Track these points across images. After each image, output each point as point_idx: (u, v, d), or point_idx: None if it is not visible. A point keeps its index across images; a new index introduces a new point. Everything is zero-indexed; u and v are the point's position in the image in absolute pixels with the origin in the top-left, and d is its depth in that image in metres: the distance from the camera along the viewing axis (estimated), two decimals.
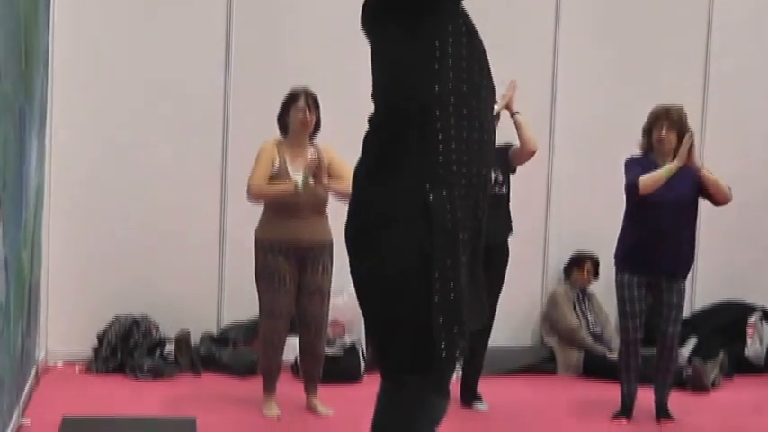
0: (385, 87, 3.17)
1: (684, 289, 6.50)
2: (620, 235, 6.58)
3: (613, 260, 6.59)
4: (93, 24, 7.41)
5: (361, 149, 3.22)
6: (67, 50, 7.25)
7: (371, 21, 3.20)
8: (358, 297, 3.19)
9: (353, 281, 3.19)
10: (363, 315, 3.23)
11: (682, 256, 6.45)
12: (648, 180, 6.27)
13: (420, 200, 3.04)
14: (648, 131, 6.51)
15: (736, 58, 8.45)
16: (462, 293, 3.05)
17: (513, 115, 6.50)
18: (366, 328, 3.25)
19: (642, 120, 6.52)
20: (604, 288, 7.97)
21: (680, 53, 8.38)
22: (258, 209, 6.24)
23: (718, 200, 6.43)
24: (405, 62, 3.10)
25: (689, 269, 6.52)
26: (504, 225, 6.60)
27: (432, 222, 3.02)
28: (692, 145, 6.26)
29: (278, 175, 6.12)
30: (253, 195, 6.13)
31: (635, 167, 6.41)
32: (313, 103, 6.22)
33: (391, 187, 3.09)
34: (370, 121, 3.22)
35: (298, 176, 6.09)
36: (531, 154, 6.59)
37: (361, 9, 3.22)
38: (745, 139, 8.50)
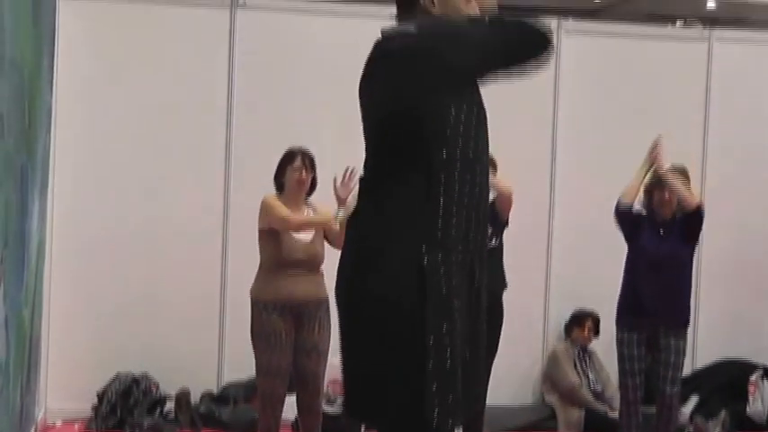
0: (387, 147, 3.21)
1: (684, 349, 6.51)
2: (620, 292, 6.61)
3: (615, 317, 6.63)
4: (97, 82, 7.48)
5: (355, 208, 3.25)
6: (70, 107, 7.32)
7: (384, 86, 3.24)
8: (346, 357, 3.18)
9: (342, 336, 3.18)
10: (351, 376, 3.18)
11: (679, 309, 6.48)
12: (625, 191, 6.48)
13: (416, 263, 3.05)
14: (650, 192, 6.56)
15: (735, 123, 8.50)
16: (457, 362, 3.03)
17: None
18: (354, 390, 3.18)
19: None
20: (605, 346, 7.96)
21: (678, 120, 8.43)
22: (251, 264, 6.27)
23: (685, 205, 6.45)
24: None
25: (687, 322, 6.54)
26: (497, 280, 6.57)
27: (426, 287, 3.02)
28: (657, 147, 6.33)
29: (277, 232, 6.15)
30: (295, 226, 6.10)
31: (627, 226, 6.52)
32: (309, 162, 6.26)
33: (387, 249, 3.11)
34: (364, 180, 3.26)
35: (297, 235, 6.12)
36: (509, 198, 6.57)
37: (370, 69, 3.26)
38: (746, 197, 8.51)
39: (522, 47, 3.21)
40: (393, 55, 3.19)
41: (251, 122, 7.73)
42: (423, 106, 3.12)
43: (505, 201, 6.57)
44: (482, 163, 3.21)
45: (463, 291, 3.12)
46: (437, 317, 3.02)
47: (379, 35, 3.32)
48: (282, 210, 6.09)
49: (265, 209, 6.14)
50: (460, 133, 3.13)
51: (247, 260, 6.24)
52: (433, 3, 3.30)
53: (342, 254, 3.25)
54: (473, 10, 3.34)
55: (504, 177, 6.51)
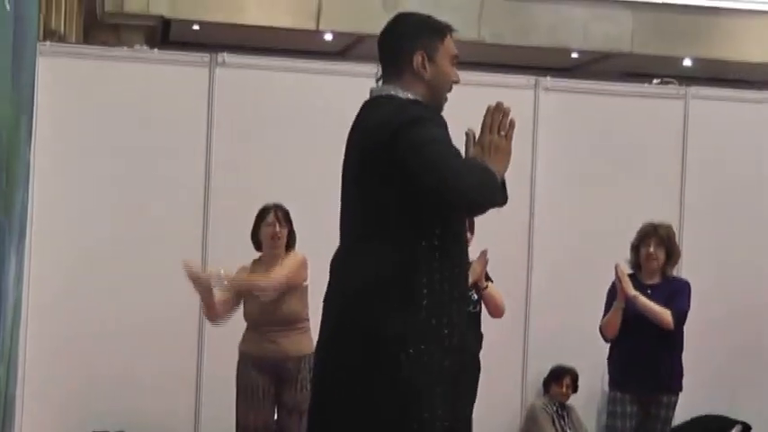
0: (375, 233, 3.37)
1: (676, 402, 6.54)
2: (609, 355, 6.64)
3: (598, 377, 6.65)
4: (77, 139, 7.50)
5: (336, 281, 3.37)
6: (48, 165, 7.33)
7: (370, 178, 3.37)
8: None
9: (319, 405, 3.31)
10: None
11: (670, 372, 6.50)
12: (605, 323, 6.48)
13: (397, 353, 3.22)
14: (636, 248, 6.61)
15: (712, 179, 8.57)
16: None
17: (482, 290, 6.60)
18: None
19: (616, 240, 6.63)
20: (584, 402, 7.99)
21: (656, 177, 8.49)
22: (237, 322, 6.27)
23: (660, 325, 6.48)
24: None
25: (679, 384, 6.57)
26: (475, 340, 6.59)
27: (406, 378, 3.20)
28: (624, 278, 6.36)
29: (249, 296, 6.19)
30: (282, 282, 6.14)
31: (609, 302, 6.53)
32: (283, 216, 6.30)
33: (368, 334, 3.27)
34: (342, 258, 3.38)
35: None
36: (501, 313, 6.72)
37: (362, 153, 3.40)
38: (724, 253, 8.56)
39: (484, 203, 3.40)
40: (393, 143, 3.32)
41: (230, 180, 7.74)
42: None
43: (497, 314, 6.68)
44: (462, 256, 3.44)
45: (443, 377, 3.30)
46: (417, 406, 3.23)
47: (370, 95, 3.47)
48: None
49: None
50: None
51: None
52: (425, 68, 3.47)
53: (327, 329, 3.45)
54: (456, 76, 3.54)
55: (498, 294, 6.64)
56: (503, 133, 3.45)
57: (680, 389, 6.58)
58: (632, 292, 6.37)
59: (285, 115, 7.88)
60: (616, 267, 6.42)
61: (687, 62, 9.81)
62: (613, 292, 6.52)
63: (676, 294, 6.50)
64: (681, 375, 6.58)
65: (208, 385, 7.61)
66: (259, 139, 7.82)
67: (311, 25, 10.62)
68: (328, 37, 11.13)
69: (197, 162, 7.73)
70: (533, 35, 10.00)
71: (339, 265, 3.45)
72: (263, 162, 7.78)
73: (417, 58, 3.46)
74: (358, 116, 3.53)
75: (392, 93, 3.46)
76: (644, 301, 6.38)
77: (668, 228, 6.62)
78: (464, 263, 3.53)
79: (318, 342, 3.49)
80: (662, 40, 9.79)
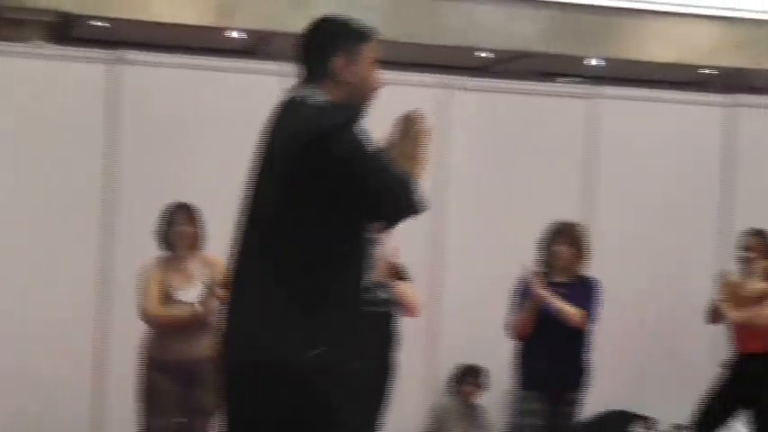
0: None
1: (580, 400, 6.59)
2: (517, 355, 6.65)
3: (506, 375, 6.68)
4: None
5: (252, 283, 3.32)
6: None
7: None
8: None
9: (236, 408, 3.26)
10: None
11: (577, 370, 6.55)
12: (517, 324, 6.51)
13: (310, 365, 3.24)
14: (546, 246, 6.64)
15: (618, 177, 8.66)
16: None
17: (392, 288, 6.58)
18: None
19: (524, 238, 6.65)
20: (492, 401, 8.02)
21: (564, 174, 8.56)
22: (138, 324, 6.18)
23: (570, 325, 6.54)
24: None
25: (587, 382, 6.62)
26: (387, 342, 6.64)
27: (321, 390, 3.24)
28: (536, 279, 6.41)
29: (161, 297, 6.09)
30: (150, 319, 6.07)
31: (517, 302, 6.54)
32: (192, 216, 6.23)
33: (279, 350, 3.26)
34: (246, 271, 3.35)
35: (186, 295, 6.07)
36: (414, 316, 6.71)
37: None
38: (631, 249, 8.66)
39: (400, 209, 3.41)
40: (317, 145, 3.29)
41: (135, 179, 7.62)
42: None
43: (410, 313, 6.68)
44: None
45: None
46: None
47: (287, 96, 3.41)
48: (149, 296, 6.04)
49: (143, 284, 6.10)
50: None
51: (134, 319, 6.15)
52: (345, 71, 3.44)
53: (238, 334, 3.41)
54: (376, 80, 3.51)
55: (410, 290, 6.62)
56: (417, 140, 3.45)
57: (587, 386, 6.63)
58: (542, 291, 6.40)
59: (192, 113, 7.79)
60: (526, 268, 6.45)
61: (593, 62, 9.92)
62: (521, 291, 6.54)
63: (586, 294, 6.55)
64: (588, 373, 6.63)
65: (108, 388, 7.47)
66: (165, 138, 7.71)
67: (218, 23, 10.51)
68: (236, 35, 11.01)
69: (99, 162, 7.59)
70: (447, 35, 10.03)
71: (243, 284, 3.42)
72: (169, 161, 7.67)
73: (338, 63, 3.43)
74: (274, 118, 3.47)
75: (311, 96, 3.42)
76: (554, 301, 6.42)
77: (577, 225, 6.67)
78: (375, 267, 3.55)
79: (226, 362, 3.44)
80: (569, 39, 9.88)
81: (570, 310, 6.44)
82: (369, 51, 3.49)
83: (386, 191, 3.32)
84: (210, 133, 7.71)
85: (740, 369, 7.04)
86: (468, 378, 8.14)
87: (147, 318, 6.08)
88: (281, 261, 3.30)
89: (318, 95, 3.40)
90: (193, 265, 6.20)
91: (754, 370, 6.75)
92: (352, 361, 3.31)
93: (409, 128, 3.46)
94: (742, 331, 6.98)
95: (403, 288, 6.58)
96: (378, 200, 3.33)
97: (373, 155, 3.35)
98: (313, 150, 3.27)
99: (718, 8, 10.81)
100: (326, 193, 3.27)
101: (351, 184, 3.27)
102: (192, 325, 6.02)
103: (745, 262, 7.22)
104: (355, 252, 3.37)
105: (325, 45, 3.46)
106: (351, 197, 3.29)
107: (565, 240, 6.57)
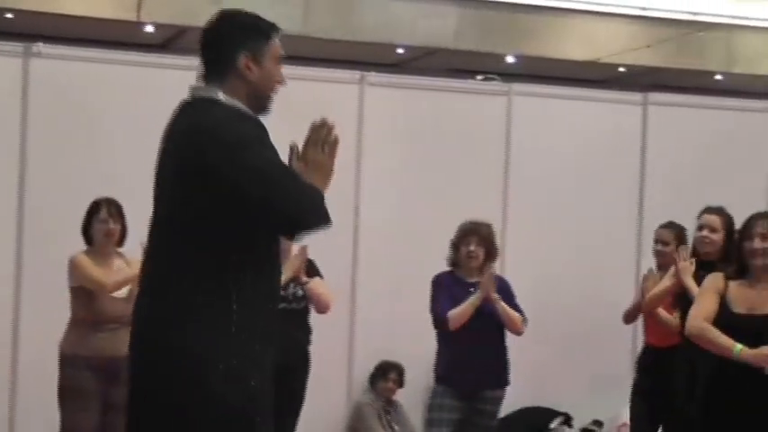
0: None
1: (501, 397, 6.61)
2: (437, 351, 6.65)
3: (424, 372, 6.67)
4: None
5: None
6: None
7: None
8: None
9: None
10: None
11: (497, 368, 6.57)
12: (456, 316, 6.41)
13: (208, 372, 3.23)
14: (457, 246, 6.64)
15: (534, 173, 8.72)
16: None
17: (303, 285, 6.56)
18: None
19: (441, 236, 6.66)
20: (410, 397, 8.02)
21: (480, 170, 8.59)
22: (57, 322, 6.06)
23: (510, 330, 6.60)
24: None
25: (506, 380, 6.64)
26: (304, 336, 6.64)
27: (219, 394, 3.22)
28: (488, 280, 6.44)
29: (94, 292, 6.00)
30: (111, 289, 5.96)
31: (441, 295, 6.52)
32: (116, 212, 6.15)
33: (180, 354, 3.27)
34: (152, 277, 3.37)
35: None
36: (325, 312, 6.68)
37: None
38: (546, 254, 8.71)
39: (314, 227, 3.35)
40: (200, 150, 3.25)
41: (47, 175, 7.48)
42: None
43: (321, 309, 6.64)
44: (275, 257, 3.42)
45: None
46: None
47: (189, 95, 3.36)
48: (95, 272, 5.96)
49: (76, 270, 6.00)
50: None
51: (43, 317, 6.04)
52: (250, 70, 3.37)
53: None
54: (281, 77, 3.46)
55: (321, 286, 6.59)
56: (326, 150, 3.40)
57: (506, 384, 6.66)
58: (496, 295, 6.43)
59: (105, 108, 7.66)
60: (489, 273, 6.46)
61: (510, 59, 9.97)
62: (442, 285, 6.54)
63: (508, 295, 6.58)
64: (507, 371, 6.66)
65: (23, 386, 7.33)
66: (78, 133, 7.58)
67: (132, 16, 10.36)
68: (149, 29, 10.88)
69: (11, 157, 7.44)
70: (359, 30, 10.01)
71: (149, 284, 3.41)
72: (81, 156, 7.54)
73: (242, 60, 3.37)
74: (173, 118, 3.42)
75: (212, 95, 3.37)
76: (503, 305, 6.46)
77: (488, 226, 6.69)
78: (276, 275, 3.48)
79: (130, 360, 3.40)
80: (486, 37, 9.92)
81: (515, 316, 6.50)
82: (273, 49, 3.44)
83: (300, 205, 3.26)
84: (123, 128, 7.60)
85: (647, 362, 7.14)
86: (387, 375, 8.14)
87: (104, 288, 5.96)
88: (176, 263, 3.28)
89: (220, 95, 3.35)
90: (118, 262, 6.14)
91: (661, 362, 6.82)
92: (252, 370, 3.27)
93: (318, 137, 3.40)
94: (650, 325, 7.05)
95: (315, 284, 6.55)
96: (264, 210, 3.25)
97: (279, 163, 3.30)
98: (218, 157, 3.21)
99: (630, 7, 10.95)
100: (216, 198, 3.23)
101: (235, 191, 3.21)
102: (115, 321, 5.93)
103: (661, 256, 7.29)
104: (255, 255, 3.32)
105: (228, 42, 3.40)
106: (266, 214, 3.25)
107: (475, 241, 6.58)
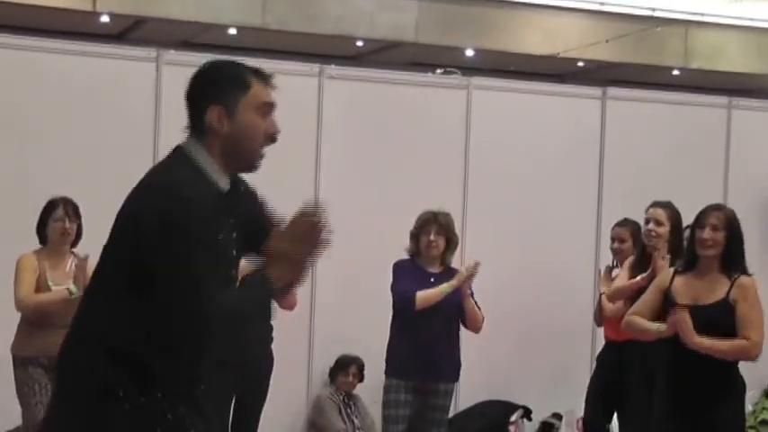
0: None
1: (452, 391, 6.59)
2: (390, 342, 6.61)
3: (384, 366, 6.62)
4: None
5: None
6: None
7: None
8: None
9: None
10: None
11: (450, 361, 6.55)
12: (425, 297, 6.39)
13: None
14: (416, 236, 6.61)
15: (493, 165, 8.70)
16: None
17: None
18: None
19: (401, 228, 6.62)
20: (370, 391, 7.98)
21: (441, 163, 8.57)
22: (7, 324, 5.98)
23: (470, 327, 6.60)
24: None
25: (458, 374, 6.62)
26: (266, 330, 6.62)
27: None
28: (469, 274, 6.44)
29: (37, 287, 5.92)
30: (24, 307, 5.92)
31: (405, 277, 6.48)
32: (73, 211, 6.08)
33: None
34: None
35: (59, 287, 5.92)
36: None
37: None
38: (504, 246, 8.69)
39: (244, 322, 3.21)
40: (146, 238, 3.02)
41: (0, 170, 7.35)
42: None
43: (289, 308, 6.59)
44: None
45: None
46: None
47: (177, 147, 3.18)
48: (23, 284, 5.89)
49: (16, 272, 5.93)
50: None
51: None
52: (221, 124, 3.13)
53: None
54: (273, 127, 3.20)
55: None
56: (307, 244, 3.24)
57: (457, 378, 6.64)
58: (468, 291, 6.47)
59: (59, 99, 7.53)
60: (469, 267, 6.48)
61: (470, 53, 9.95)
62: (404, 269, 6.50)
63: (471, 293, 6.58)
64: (459, 366, 6.63)
65: None
66: (31, 126, 7.44)
67: (87, 6, 10.23)
68: (105, 19, 10.74)
69: None
70: (319, 23, 9.95)
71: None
72: (34, 150, 7.38)
73: (212, 114, 3.13)
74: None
75: (186, 150, 3.15)
76: (472, 302, 6.51)
77: (447, 215, 6.67)
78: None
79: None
80: (446, 30, 9.89)
81: (479, 315, 6.48)
82: (254, 97, 3.16)
83: (222, 316, 3.04)
84: (78, 119, 7.48)
85: (605, 357, 7.19)
86: (347, 369, 8.10)
87: (20, 302, 5.91)
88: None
89: (195, 149, 3.13)
90: (70, 261, 6.08)
91: (619, 357, 6.84)
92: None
93: (301, 227, 3.21)
94: (608, 320, 7.07)
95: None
96: (207, 330, 3.06)
97: (209, 264, 3.04)
98: (147, 237, 3.00)
99: (589, 2, 10.96)
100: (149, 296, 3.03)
101: (180, 313, 3.00)
102: (59, 322, 5.84)
103: (619, 253, 7.33)
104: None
105: (199, 94, 3.16)
106: (178, 322, 3.02)
107: (435, 230, 6.55)
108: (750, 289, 5.17)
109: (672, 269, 5.47)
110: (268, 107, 3.19)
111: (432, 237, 6.54)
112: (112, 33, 10.62)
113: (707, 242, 5.16)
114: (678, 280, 5.27)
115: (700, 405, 5.13)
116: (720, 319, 5.10)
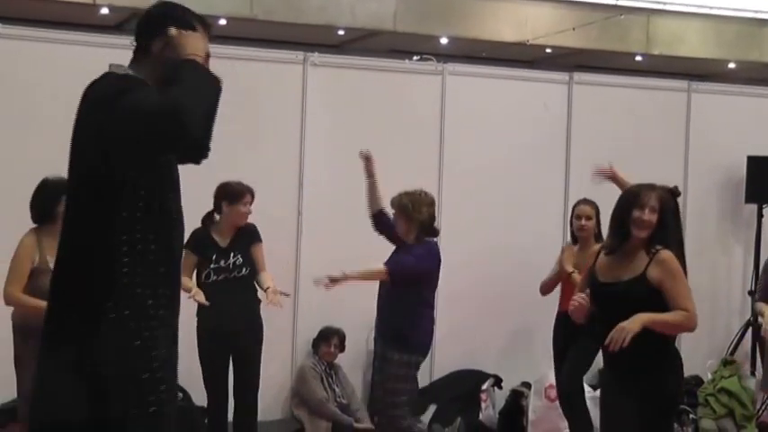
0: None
1: (409, 362, 6.48)
2: (414, 320, 6.55)
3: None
4: None
5: None
6: None
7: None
8: None
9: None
10: None
11: (394, 329, 6.52)
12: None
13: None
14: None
15: (468, 149, 8.64)
16: None
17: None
18: None
19: None
20: (350, 361, 7.97)
21: (417, 147, 8.50)
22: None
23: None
24: None
25: (415, 345, 6.55)
26: (253, 300, 6.67)
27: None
28: None
29: (38, 270, 5.77)
30: (9, 303, 5.81)
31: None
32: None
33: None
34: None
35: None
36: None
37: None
38: (477, 228, 8.64)
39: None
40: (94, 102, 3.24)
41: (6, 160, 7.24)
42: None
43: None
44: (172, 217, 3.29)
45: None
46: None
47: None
48: (15, 275, 5.76)
49: (13, 259, 5.80)
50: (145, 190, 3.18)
51: None
52: (163, 51, 3.26)
53: None
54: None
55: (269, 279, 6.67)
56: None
57: (414, 350, 6.51)
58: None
59: (63, 89, 7.38)
60: None
61: (444, 41, 9.86)
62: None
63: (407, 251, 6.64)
64: (416, 336, 6.54)
65: None
66: (38, 116, 7.32)
67: None
68: (105, 11, 10.60)
69: None
70: (304, 13, 9.85)
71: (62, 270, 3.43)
72: (41, 139, 7.22)
73: (156, 45, 3.28)
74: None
75: (122, 71, 3.30)
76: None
77: (403, 196, 6.67)
78: (176, 258, 3.35)
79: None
80: (422, 20, 9.82)
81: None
82: (191, 39, 3.26)
83: (194, 111, 3.06)
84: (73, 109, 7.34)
85: (558, 328, 7.29)
86: (329, 340, 8.05)
87: (6, 297, 5.81)
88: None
89: (130, 72, 3.26)
90: None
91: (567, 327, 6.82)
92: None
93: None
94: (567, 293, 7.08)
95: (265, 278, 6.69)
96: (187, 123, 3.06)
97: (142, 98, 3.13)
98: (107, 113, 3.15)
99: None
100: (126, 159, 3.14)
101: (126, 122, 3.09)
102: None
103: (584, 230, 7.40)
104: (150, 248, 3.22)
105: (149, 28, 3.31)
106: (161, 129, 3.06)
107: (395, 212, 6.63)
108: (671, 262, 4.83)
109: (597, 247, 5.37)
110: (203, 53, 3.27)
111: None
112: (110, 25, 10.45)
113: (644, 223, 4.87)
114: (602, 258, 5.02)
115: (631, 373, 4.86)
116: (632, 295, 4.81)
